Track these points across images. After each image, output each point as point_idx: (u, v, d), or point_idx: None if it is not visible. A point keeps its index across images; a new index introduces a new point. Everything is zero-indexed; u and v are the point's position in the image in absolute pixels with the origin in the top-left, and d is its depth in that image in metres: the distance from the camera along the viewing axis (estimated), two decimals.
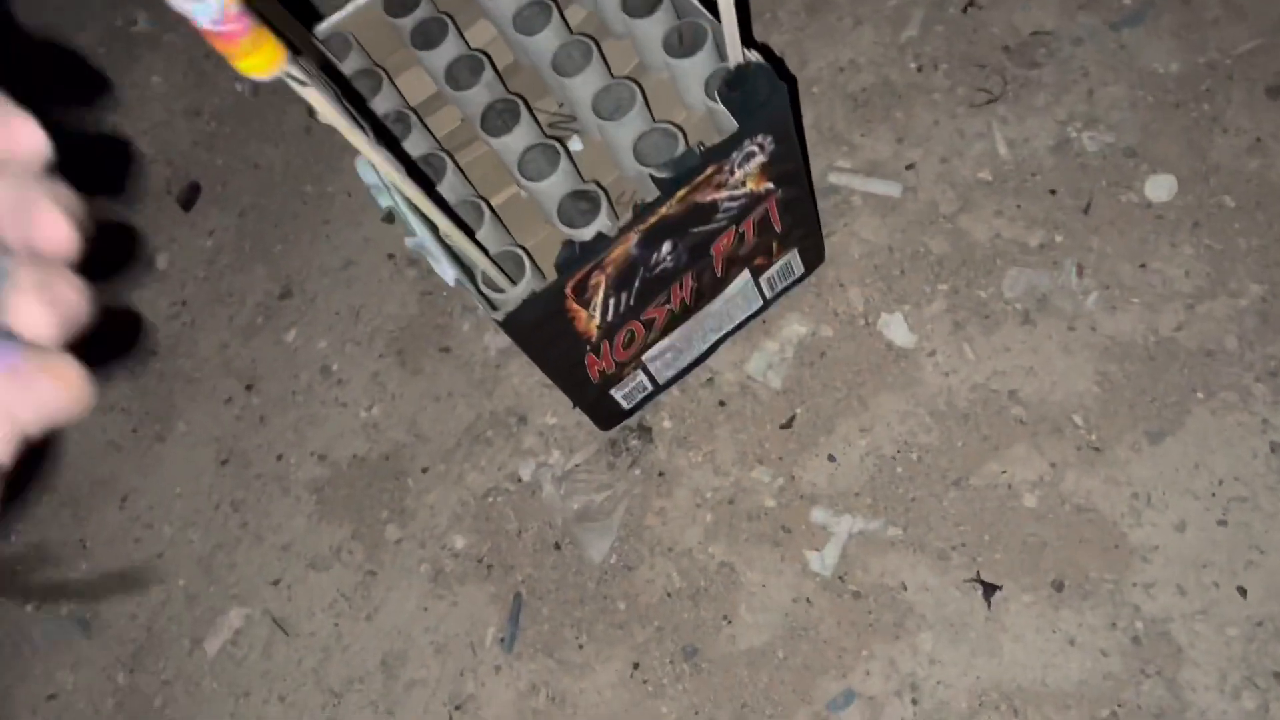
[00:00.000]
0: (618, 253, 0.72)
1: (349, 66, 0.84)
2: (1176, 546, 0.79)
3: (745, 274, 0.87)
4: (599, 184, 0.76)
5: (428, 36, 0.81)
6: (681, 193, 0.71)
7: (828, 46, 1.05)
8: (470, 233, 0.73)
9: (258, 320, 1.12)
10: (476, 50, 0.81)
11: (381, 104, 0.83)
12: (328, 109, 0.46)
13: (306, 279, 1.13)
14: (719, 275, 0.84)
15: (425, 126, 0.84)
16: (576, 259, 0.69)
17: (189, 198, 1.23)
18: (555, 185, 0.74)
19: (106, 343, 1.11)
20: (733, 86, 0.70)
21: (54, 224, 0.24)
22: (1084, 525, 0.82)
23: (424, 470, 0.99)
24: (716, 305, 0.88)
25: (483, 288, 0.71)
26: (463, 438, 0.99)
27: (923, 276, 0.93)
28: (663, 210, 0.71)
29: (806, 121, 1.02)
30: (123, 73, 1.33)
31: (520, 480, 0.96)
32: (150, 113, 1.30)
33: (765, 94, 0.69)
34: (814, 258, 0.93)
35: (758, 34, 1.08)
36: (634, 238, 0.72)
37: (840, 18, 1.06)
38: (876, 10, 1.05)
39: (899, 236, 0.95)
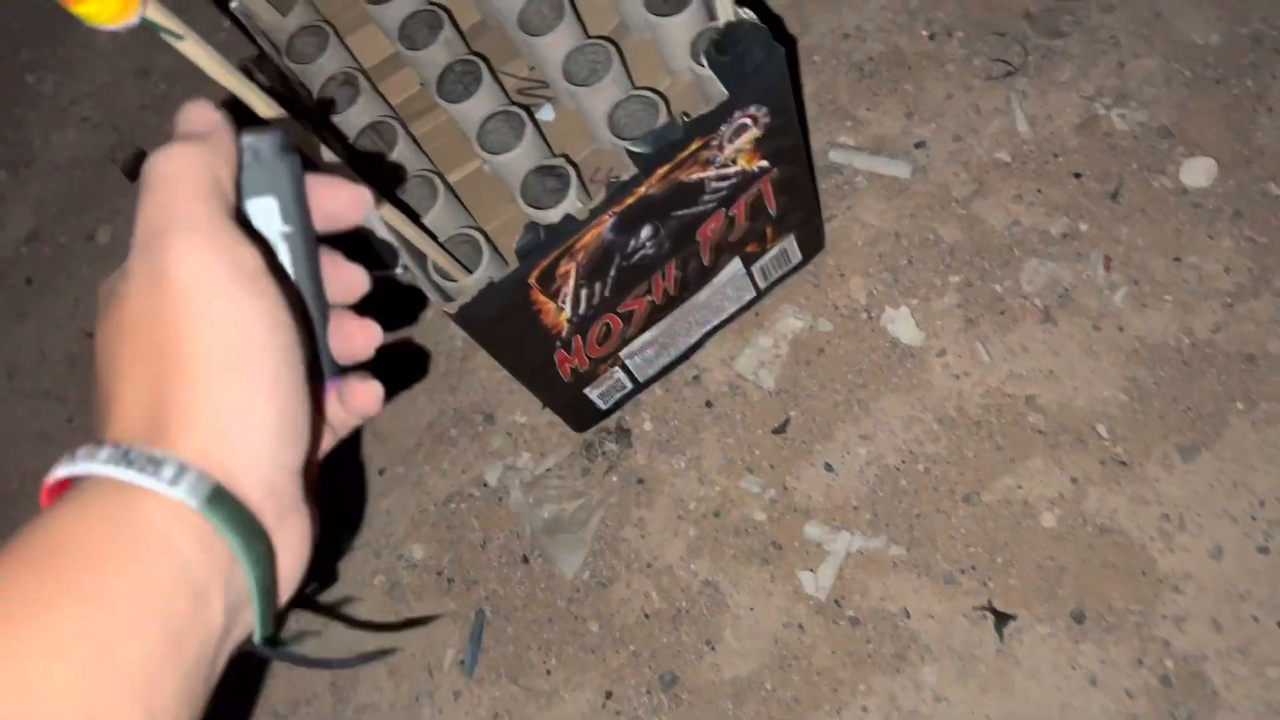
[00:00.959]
0: (589, 238, 0.63)
1: (294, 21, 0.75)
2: (1211, 575, 0.71)
3: (736, 262, 0.78)
4: (569, 159, 0.67)
5: None
6: (662, 170, 0.62)
7: (831, 11, 0.96)
8: (416, 216, 0.64)
9: None
10: (436, 5, 0.72)
11: (329, 65, 0.73)
12: (216, 68, 0.37)
13: None
14: (706, 264, 0.75)
15: (378, 91, 0.74)
16: (540, 245, 0.60)
17: (135, 166, 1.13)
18: (519, 159, 0.65)
19: None
20: (722, 49, 0.60)
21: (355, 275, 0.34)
22: (1108, 549, 0.73)
23: (380, 472, 0.90)
24: (703, 296, 0.79)
25: (433, 275, 0.61)
26: (423, 437, 0.90)
27: (932, 267, 0.84)
28: (640, 190, 0.62)
29: (807, 93, 0.92)
30: (65, 28, 1.23)
31: (486, 485, 0.87)
32: (94, 73, 1.20)
33: (759, 58, 0.60)
34: (813, 244, 0.84)
35: None
36: (608, 221, 0.63)
37: None
38: None
39: (907, 222, 0.86)
